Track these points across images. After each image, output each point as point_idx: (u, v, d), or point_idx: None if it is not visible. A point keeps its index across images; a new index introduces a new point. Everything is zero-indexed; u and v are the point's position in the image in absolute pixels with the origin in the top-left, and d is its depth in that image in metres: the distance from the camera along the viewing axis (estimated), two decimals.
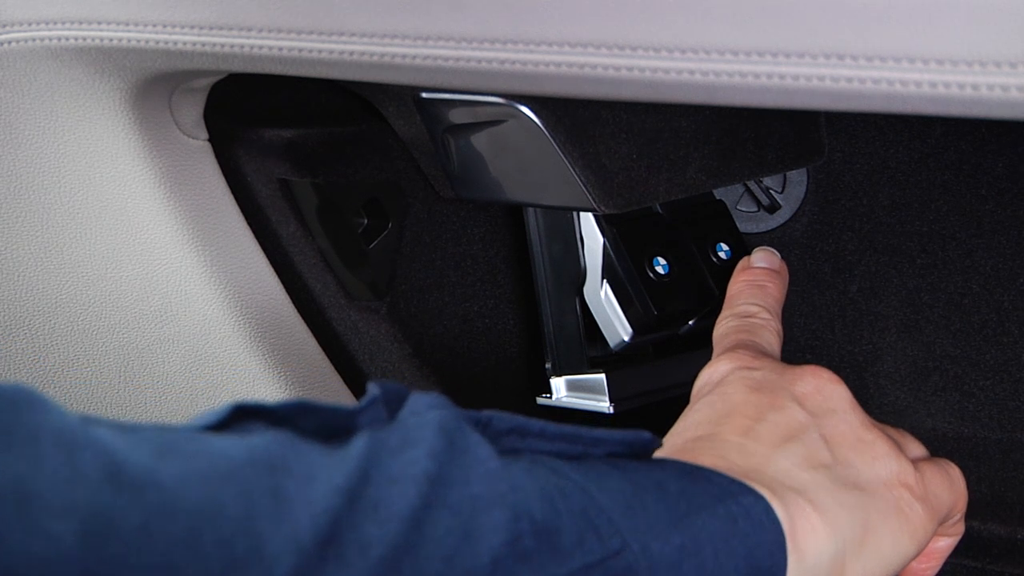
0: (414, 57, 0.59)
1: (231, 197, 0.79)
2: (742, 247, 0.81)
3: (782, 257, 0.75)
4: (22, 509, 0.36)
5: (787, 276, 0.73)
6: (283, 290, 0.81)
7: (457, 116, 0.72)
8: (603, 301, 0.78)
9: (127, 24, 0.67)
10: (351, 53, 0.61)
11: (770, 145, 0.76)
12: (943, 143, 0.86)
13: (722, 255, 0.80)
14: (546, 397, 0.82)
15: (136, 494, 0.38)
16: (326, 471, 0.42)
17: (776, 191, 0.90)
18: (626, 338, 0.78)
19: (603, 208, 0.69)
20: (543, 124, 0.68)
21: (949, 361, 0.87)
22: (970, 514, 0.83)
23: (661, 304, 0.77)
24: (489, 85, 0.60)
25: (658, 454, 0.55)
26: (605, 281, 0.78)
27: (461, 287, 0.86)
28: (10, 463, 0.36)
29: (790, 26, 0.49)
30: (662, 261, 0.78)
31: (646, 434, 0.53)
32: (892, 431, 0.63)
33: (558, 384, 0.81)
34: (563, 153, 0.68)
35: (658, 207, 0.80)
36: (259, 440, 0.42)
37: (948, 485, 0.61)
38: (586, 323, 0.80)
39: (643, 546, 0.48)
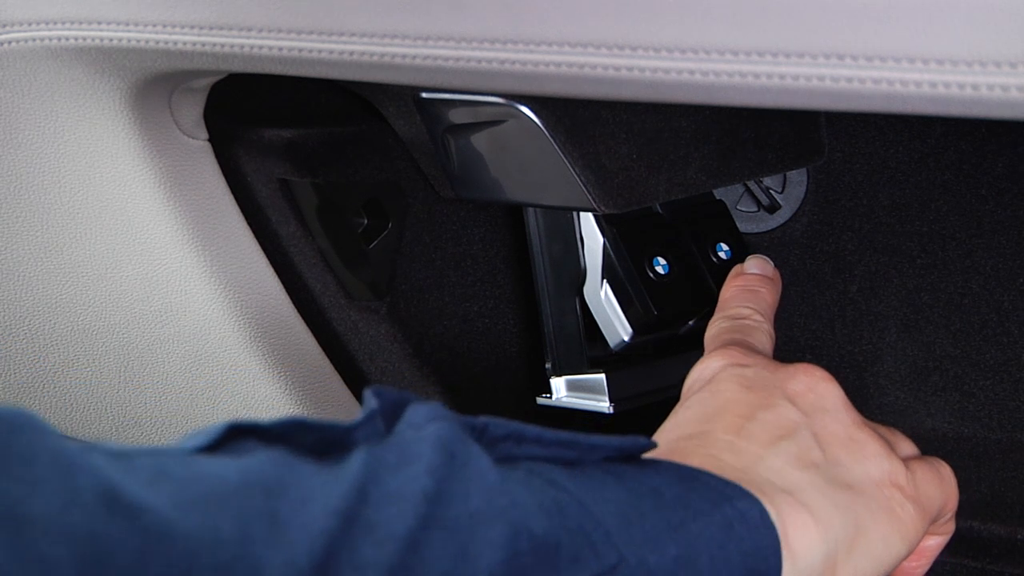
0: (414, 57, 0.59)
1: (231, 197, 0.79)
2: (742, 247, 0.81)
3: (782, 257, 0.75)
4: (18, 533, 0.35)
5: (780, 284, 0.73)
6: (283, 290, 0.81)
7: (457, 116, 0.72)
8: (603, 301, 0.78)
9: (127, 24, 0.67)
10: (351, 53, 0.61)
11: (770, 145, 0.76)
12: (943, 143, 0.86)
13: (722, 255, 0.80)
14: (546, 397, 0.82)
15: (132, 520, 0.37)
16: (322, 492, 0.41)
17: (776, 191, 0.90)
18: (626, 338, 0.78)
19: (603, 208, 0.69)
20: (543, 124, 0.68)
21: (949, 361, 0.87)
22: (970, 514, 0.83)
23: (661, 304, 0.77)
24: (489, 85, 0.60)
25: (650, 453, 0.55)
26: (605, 281, 0.78)
27: (461, 287, 0.86)
28: (6, 486, 0.36)
29: (790, 26, 0.49)
30: (662, 261, 0.78)
31: (642, 439, 0.53)
32: (883, 430, 0.62)
33: (558, 384, 0.81)
34: (563, 153, 0.68)
35: (658, 207, 0.80)
36: (253, 461, 0.41)
37: (939, 484, 0.61)
38: (586, 323, 0.80)
39: (639, 559, 0.48)
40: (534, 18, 0.55)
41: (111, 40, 0.68)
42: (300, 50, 0.62)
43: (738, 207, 0.91)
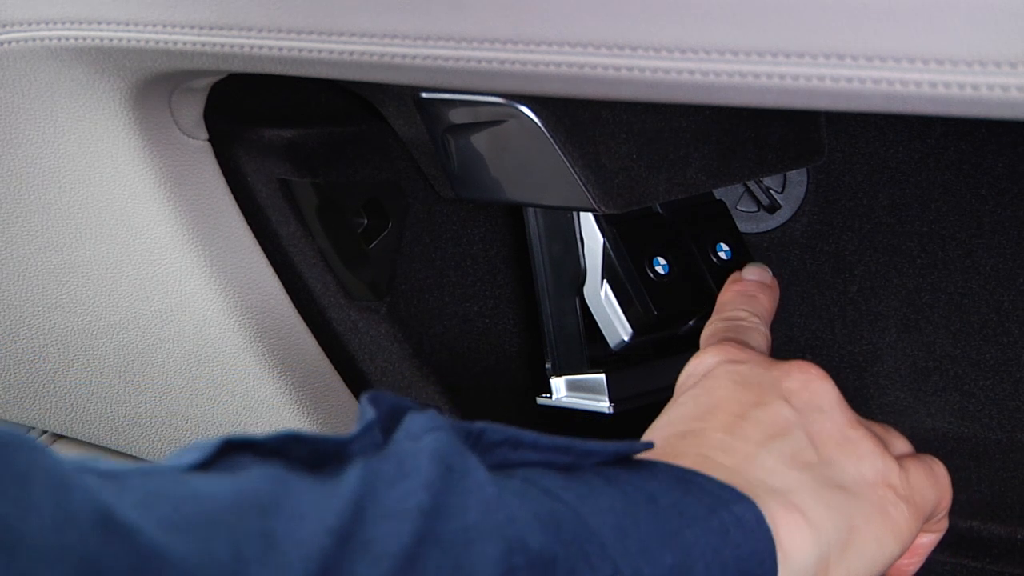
0: (414, 57, 0.59)
1: (231, 197, 0.79)
2: (742, 247, 0.81)
3: (782, 257, 0.75)
4: (12, 555, 0.35)
5: (778, 291, 0.73)
6: (283, 290, 0.81)
7: (457, 116, 0.72)
8: (603, 301, 0.78)
9: (127, 24, 0.67)
10: (351, 53, 0.61)
11: (770, 145, 0.76)
12: (943, 143, 0.86)
13: (722, 255, 0.80)
14: (546, 397, 0.82)
15: (126, 541, 0.37)
16: (317, 509, 0.41)
17: (776, 191, 0.90)
18: (626, 338, 0.78)
19: (603, 208, 0.69)
20: (543, 124, 0.68)
21: (949, 361, 0.87)
22: (970, 514, 0.83)
23: (661, 304, 0.77)
24: (489, 85, 0.60)
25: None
26: (605, 281, 0.78)
27: (461, 287, 0.86)
28: (0, 508, 0.36)
29: (790, 26, 0.49)
30: (662, 261, 0.78)
31: (637, 444, 0.53)
32: (877, 428, 0.62)
33: (558, 384, 0.81)
34: (563, 153, 0.68)
35: (658, 207, 0.80)
36: (247, 479, 0.41)
37: (933, 483, 0.60)
38: (586, 323, 0.80)
39: (634, 570, 0.48)
40: (534, 18, 0.55)
41: (111, 40, 0.68)
42: (300, 50, 0.62)
43: (738, 207, 0.91)
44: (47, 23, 0.70)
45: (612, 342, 0.78)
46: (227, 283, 0.78)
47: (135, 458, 0.93)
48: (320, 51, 0.61)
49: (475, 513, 0.44)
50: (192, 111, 0.76)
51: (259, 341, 0.80)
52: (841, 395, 0.61)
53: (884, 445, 0.60)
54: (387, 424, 0.47)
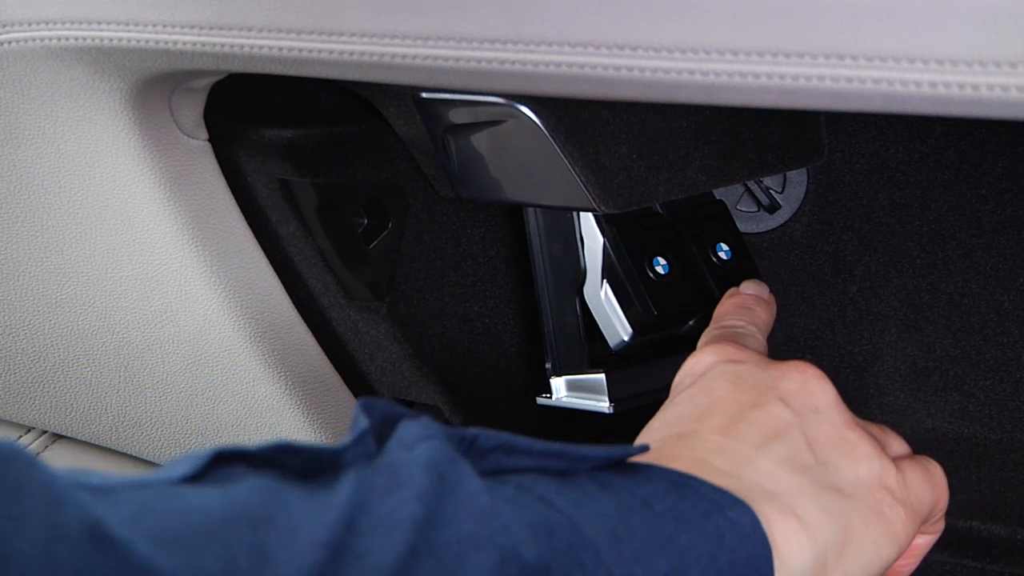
0: (414, 57, 0.59)
1: (231, 197, 0.79)
2: (742, 247, 0.81)
3: (782, 257, 0.75)
4: (3, 569, 0.35)
5: (775, 307, 0.72)
6: (283, 290, 0.81)
7: (457, 116, 0.72)
8: (603, 301, 0.78)
9: (127, 24, 0.67)
10: (351, 53, 0.61)
11: (770, 145, 0.76)
12: (943, 143, 0.86)
13: (722, 255, 0.80)
14: (546, 397, 0.82)
15: (117, 556, 0.37)
16: (310, 522, 0.41)
17: (776, 191, 0.90)
18: (626, 338, 0.78)
19: (603, 208, 0.69)
20: (543, 124, 0.68)
21: (949, 361, 0.87)
22: (970, 514, 0.83)
23: (661, 304, 0.77)
24: (489, 85, 0.60)
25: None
26: (605, 281, 0.78)
27: (461, 287, 0.86)
28: None
29: (790, 26, 0.49)
30: (662, 261, 0.78)
31: (632, 448, 0.53)
32: (875, 428, 0.62)
33: (558, 384, 0.81)
34: (563, 153, 0.68)
35: (658, 207, 0.80)
36: (239, 492, 0.41)
37: (930, 485, 0.60)
38: (586, 323, 0.80)
39: None
40: (534, 18, 0.55)
41: (111, 40, 0.68)
42: (300, 50, 0.62)
43: (738, 207, 0.91)
44: (47, 23, 0.70)
45: (612, 342, 0.78)
46: (227, 283, 0.78)
47: (135, 458, 0.93)
48: (320, 51, 0.61)
49: (468, 523, 0.44)
50: (192, 111, 0.76)
51: (259, 341, 0.80)
52: (839, 396, 0.60)
53: (881, 446, 0.60)
54: (381, 432, 0.47)
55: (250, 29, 0.63)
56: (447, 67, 0.58)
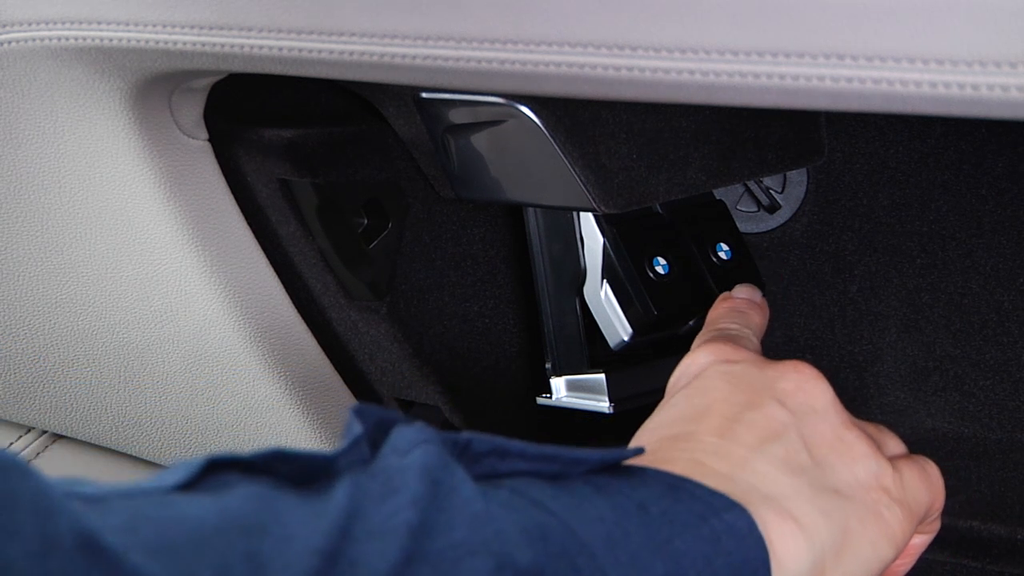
0: (414, 57, 0.59)
1: (231, 197, 0.79)
2: (742, 247, 0.81)
3: (782, 257, 0.75)
4: None
5: (768, 312, 0.72)
6: (283, 290, 0.81)
7: (457, 116, 0.72)
8: (603, 301, 0.78)
9: (127, 24, 0.67)
10: (351, 53, 0.61)
11: (770, 145, 0.76)
12: (943, 143, 0.86)
13: (722, 255, 0.80)
14: (546, 397, 0.82)
15: (109, 566, 0.37)
16: (304, 529, 0.41)
17: (776, 191, 0.90)
18: (626, 338, 0.78)
19: (603, 208, 0.69)
20: (543, 124, 0.68)
21: (949, 361, 0.87)
22: (970, 514, 0.83)
23: (661, 304, 0.77)
24: (489, 85, 0.60)
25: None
26: (605, 281, 0.78)
27: (461, 287, 0.86)
28: None
29: (790, 26, 0.49)
30: (662, 261, 0.78)
31: (627, 450, 0.53)
32: (871, 428, 0.62)
33: (558, 384, 0.81)
34: (563, 153, 0.68)
35: (658, 207, 0.80)
36: (233, 500, 0.41)
37: (926, 485, 0.60)
38: (586, 323, 0.80)
39: None
40: (534, 18, 0.55)
41: (111, 40, 0.68)
42: (300, 50, 0.62)
43: (738, 207, 0.91)
44: (47, 23, 0.70)
45: (612, 342, 0.78)
46: (227, 283, 0.78)
47: (135, 458, 0.93)
48: (320, 51, 0.61)
49: (463, 530, 0.44)
50: (192, 111, 0.76)
51: (259, 341, 0.80)
52: (835, 396, 0.60)
53: (878, 446, 0.60)
54: (374, 437, 0.47)
55: (250, 29, 0.63)
56: (447, 67, 0.58)
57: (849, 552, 0.55)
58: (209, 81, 0.73)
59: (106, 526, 0.38)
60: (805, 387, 0.60)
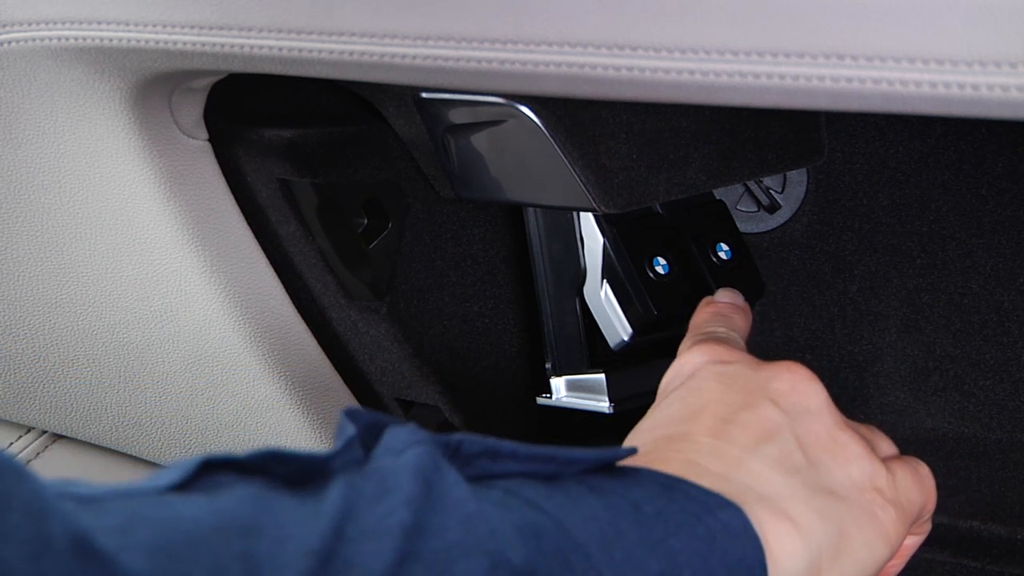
0: (414, 57, 0.59)
1: (231, 197, 0.79)
2: (742, 247, 0.81)
3: (782, 257, 0.75)
4: None
5: (751, 316, 0.72)
6: (283, 290, 0.81)
7: (457, 116, 0.72)
8: (603, 301, 0.78)
9: (127, 24, 0.67)
10: (351, 53, 0.61)
11: (770, 145, 0.76)
12: (943, 143, 0.86)
13: (722, 255, 0.80)
14: (546, 397, 0.82)
15: (103, 568, 0.37)
16: (299, 530, 0.41)
17: (776, 191, 0.90)
18: (626, 338, 0.78)
19: (603, 208, 0.69)
20: (543, 124, 0.68)
21: (949, 361, 0.87)
22: (970, 514, 0.83)
23: (661, 304, 0.77)
24: (489, 85, 0.60)
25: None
26: (605, 281, 0.78)
27: (461, 287, 0.86)
28: None
29: (790, 26, 0.49)
30: (662, 261, 0.78)
31: (621, 450, 0.53)
32: (864, 429, 0.62)
33: (558, 384, 0.81)
34: (563, 153, 0.68)
35: (658, 207, 0.80)
36: (228, 501, 0.41)
37: (919, 486, 0.60)
38: (586, 323, 0.80)
39: None
40: (534, 18, 0.55)
41: (111, 40, 0.68)
42: (300, 50, 0.62)
43: (738, 207, 0.91)
44: (47, 23, 0.70)
45: (612, 342, 0.78)
46: (227, 283, 0.78)
47: (135, 458, 0.93)
48: (320, 51, 0.61)
49: (456, 531, 0.44)
50: (192, 111, 0.76)
51: (259, 341, 0.80)
52: (829, 397, 0.60)
53: (871, 447, 0.60)
54: (367, 439, 0.47)
55: (250, 29, 0.63)
56: (447, 67, 0.58)
57: (845, 553, 0.55)
58: (209, 81, 0.73)
59: (100, 527, 0.38)
60: (799, 388, 0.60)
